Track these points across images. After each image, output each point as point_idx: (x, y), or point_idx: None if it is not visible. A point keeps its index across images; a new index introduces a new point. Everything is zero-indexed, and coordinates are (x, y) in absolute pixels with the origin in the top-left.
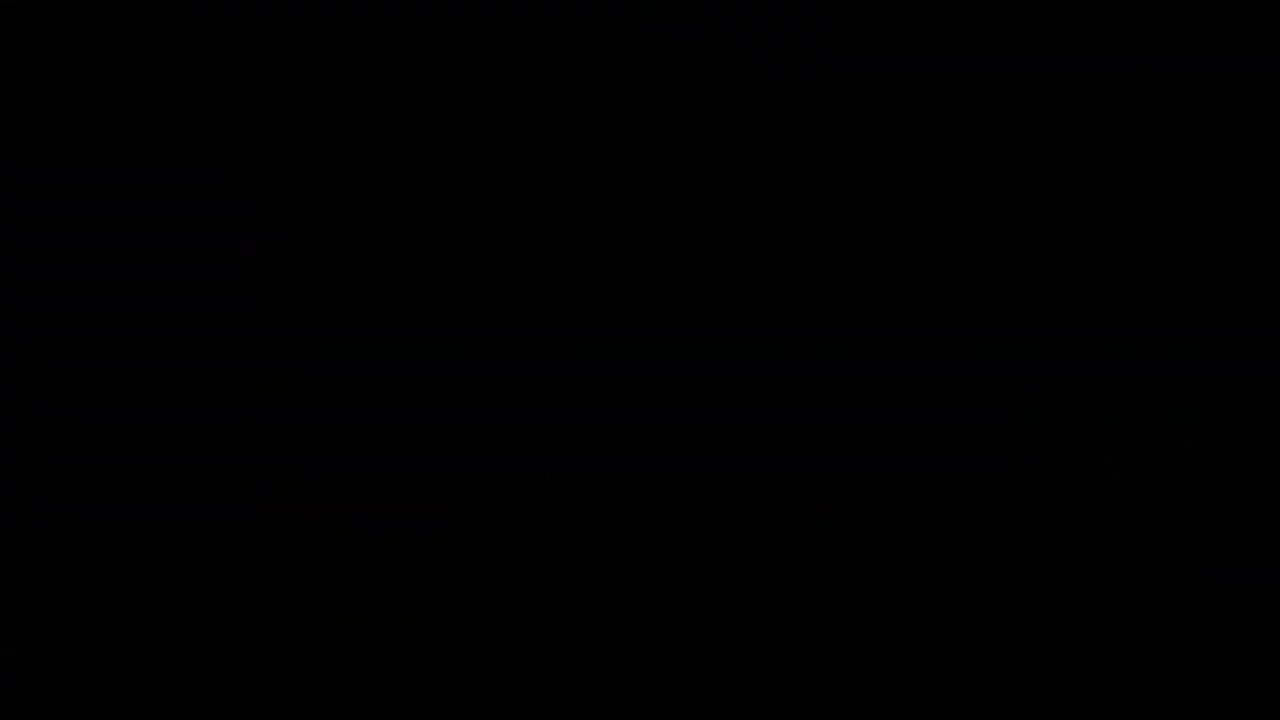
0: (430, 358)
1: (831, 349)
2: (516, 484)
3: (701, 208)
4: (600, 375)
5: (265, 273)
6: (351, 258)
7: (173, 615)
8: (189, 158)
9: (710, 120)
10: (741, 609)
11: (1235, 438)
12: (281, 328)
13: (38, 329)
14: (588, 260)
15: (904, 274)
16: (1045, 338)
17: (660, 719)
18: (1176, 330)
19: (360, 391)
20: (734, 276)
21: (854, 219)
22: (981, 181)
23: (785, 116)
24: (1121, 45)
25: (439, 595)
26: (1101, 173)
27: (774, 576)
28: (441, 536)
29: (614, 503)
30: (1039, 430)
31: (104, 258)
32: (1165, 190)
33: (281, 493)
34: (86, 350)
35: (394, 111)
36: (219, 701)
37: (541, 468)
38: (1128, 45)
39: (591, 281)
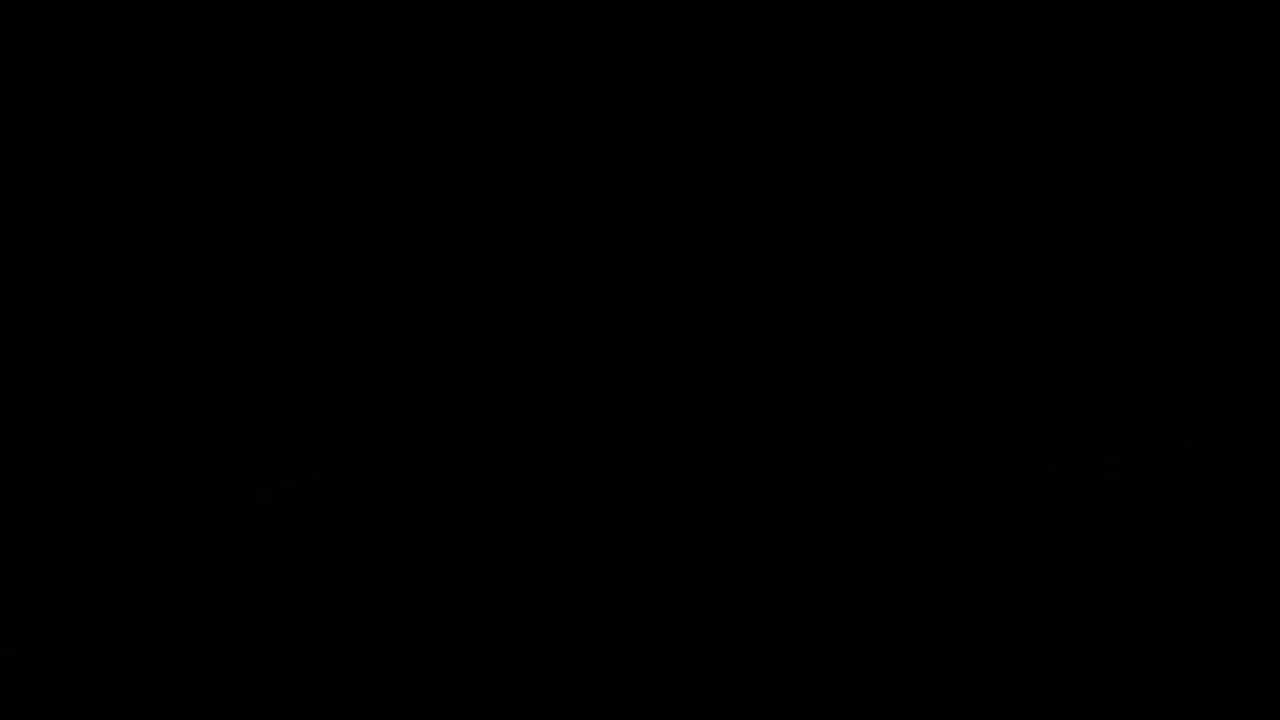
0: (430, 358)
1: (831, 349)
2: (516, 484)
3: (701, 208)
4: (600, 375)
5: (265, 273)
6: (351, 258)
7: (173, 615)
8: (189, 158)
9: (710, 120)
10: (741, 609)
11: (1235, 438)
12: (281, 328)
13: (38, 329)
14: (588, 260)
15: (904, 274)
16: (1045, 338)
17: (660, 719)
18: (1176, 330)
19: (360, 391)
20: (734, 276)
21: (854, 219)
22: (981, 181)
23: (785, 116)
24: (1121, 45)
25: (439, 595)
26: (1101, 173)
27: (774, 576)
28: (441, 536)
29: (614, 503)
30: (1039, 430)
31: (104, 258)
32: (1165, 190)
33: (281, 493)
34: (86, 350)
35: (394, 111)
36: (219, 701)
37: (541, 468)
38: (1128, 45)
39: (591, 281)
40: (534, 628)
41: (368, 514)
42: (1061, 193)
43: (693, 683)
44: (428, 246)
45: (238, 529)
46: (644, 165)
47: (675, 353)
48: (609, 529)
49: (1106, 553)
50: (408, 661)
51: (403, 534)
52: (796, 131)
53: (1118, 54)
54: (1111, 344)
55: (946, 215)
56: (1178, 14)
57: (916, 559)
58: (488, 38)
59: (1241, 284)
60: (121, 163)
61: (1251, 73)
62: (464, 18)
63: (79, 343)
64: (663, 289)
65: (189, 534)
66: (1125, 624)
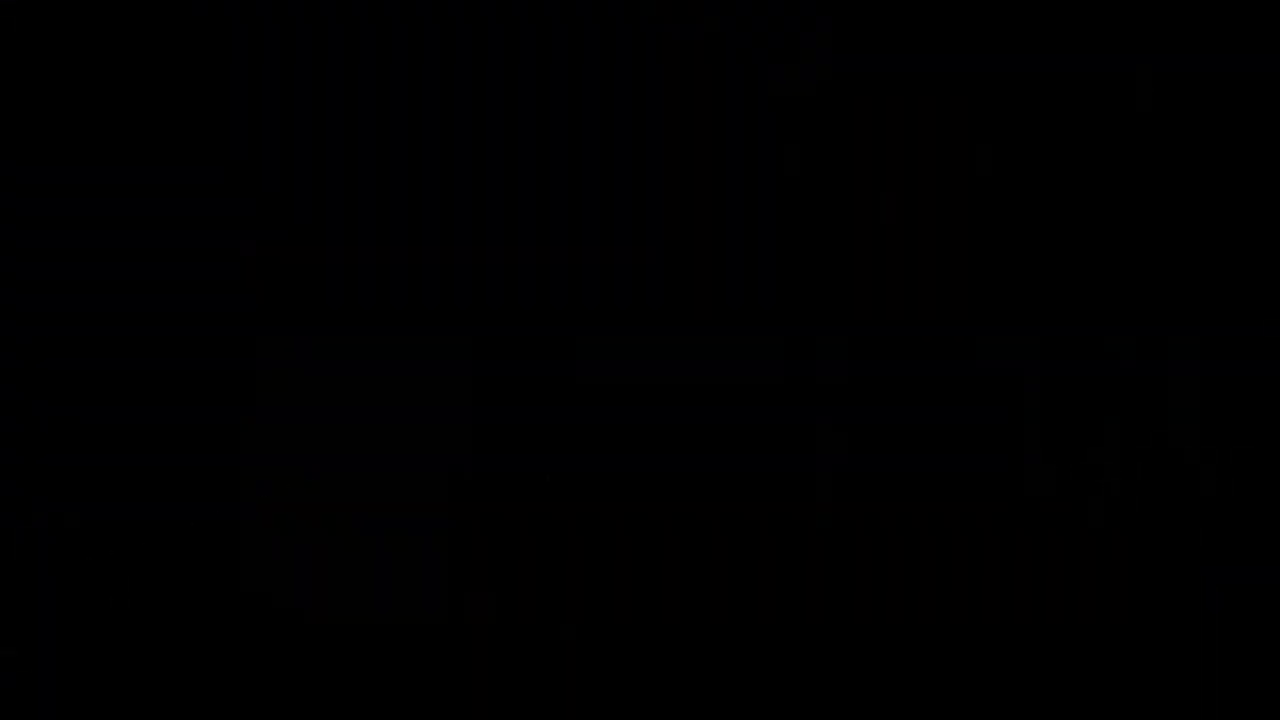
0: (430, 358)
1: (831, 349)
2: (516, 484)
3: (701, 208)
4: (600, 375)
5: (265, 273)
6: (351, 258)
7: (173, 615)
8: (189, 158)
9: (710, 120)
10: (741, 609)
11: (1235, 438)
12: (281, 328)
13: (38, 329)
14: (588, 260)
15: (904, 274)
16: (1045, 338)
17: (660, 719)
18: (1176, 330)
19: (360, 391)
20: (734, 276)
21: (854, 219)
22: (981, 181)
23: (785, 116)
24: (1121, 45)
25: (439, 595)
26: (1101, 172)
27: (774, 576)
28: (441, 536)
29: (614, 503)
30: (1039, 430)
31: (104, 258)
32: (1165, 190)
33: (281, 493)
34: (86, 350)
35: (394, 111)
36: (219, 702)
37: (541, 468)
38: (1128, 45)
39: (591, 281)
40: (534, 628)
41: (368, 514)
42: (1061, 192)
43: (693, 683)
44: (428, 246)
45: (238, 529)
46: (644, 165)
47: (675, 353)
48: (609, 529)
49: (1106, 553)
50: (408, 662)
51: (403, 534)
52: (796, 131)
53: (1118, 54)
54: (1111, 344)
55: (946, 215)
56: (1178, 14)
57: (917, 559)
58: (488, 38)
59: (1242, 284)
60: (122, 163)
61: (1251, 73)
62: (464, 18)
63: (79, 342)
64: (663, 289)
65: (189, 534)
66: (1125, 624)
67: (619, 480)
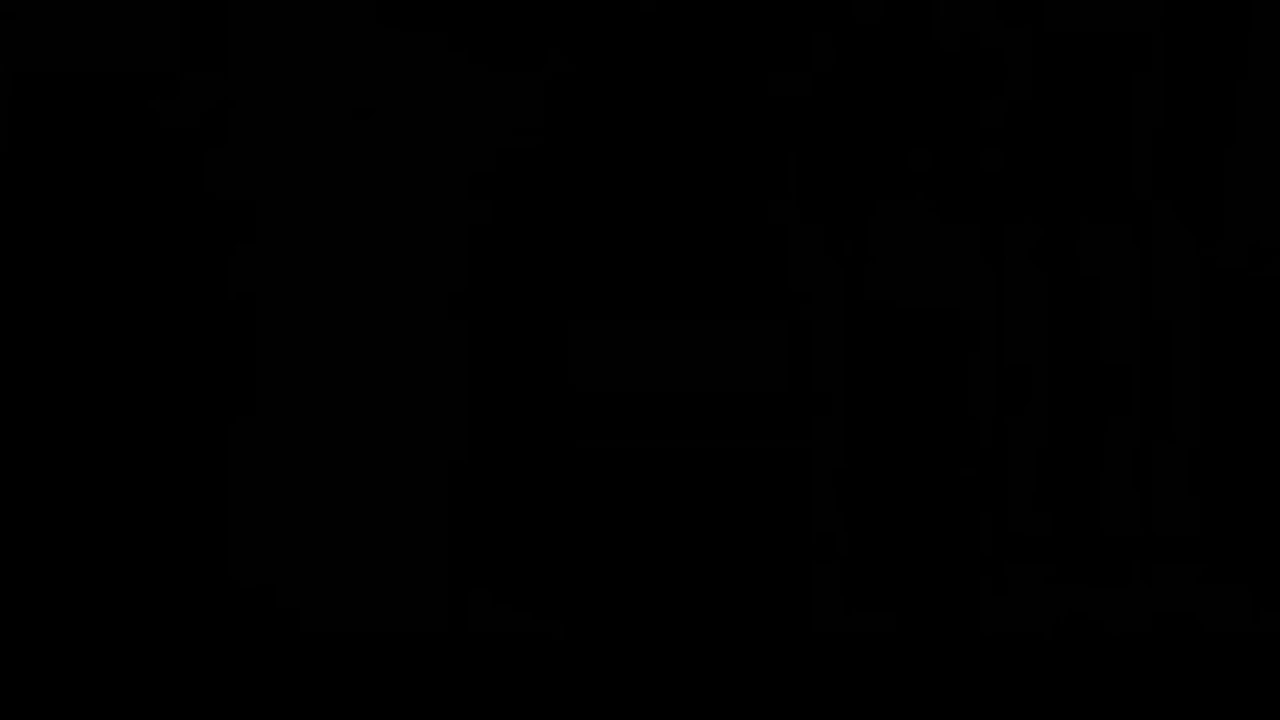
0: (429, 358)
1: (831, 349)
2: (516, 484)
3: (704, 208)
4: (599, 376)
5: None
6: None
7: (167, 617)
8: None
9: (710, 120)
10: (740, 609)
11: (1234, 435)
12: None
13: (38, 328)
14: (588, 260)
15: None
16: (1046, 337)
17: (659, 718)
18: (1178, 327)
19: (359, 390)
20: (736, 276)
21: (854, 218)
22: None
23: (785, 116)
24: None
25: (440, 600)
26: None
27: (773, 577)
28: (441, 536)
29: (614, 502)
30: (1039, 429)
31: (95, 256)
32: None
33: (281, 492)
34: (87, 348)
35: None
36: (218, 702)
37: (541, 468)
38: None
39: (591, 281)
40: (534, 629)
41: (367, 514)
42: (1066, 193)
43: (692, 682)
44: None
45: (235, 529)
46: (645, 165)
47: (674, 352)
48: (609, 529)
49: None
50: (407, 665)
51: (403, 534)
52: (796, 131)
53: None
54: (1111, 343)
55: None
56: None
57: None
58: None
59: (1241, 280)
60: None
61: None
62: None
63: (79, 340)
64: (662, 289)
65: (183, 533)
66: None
67: (618, 480)
